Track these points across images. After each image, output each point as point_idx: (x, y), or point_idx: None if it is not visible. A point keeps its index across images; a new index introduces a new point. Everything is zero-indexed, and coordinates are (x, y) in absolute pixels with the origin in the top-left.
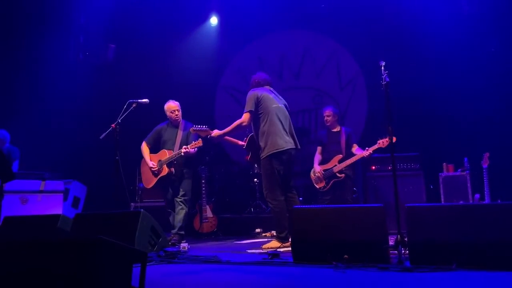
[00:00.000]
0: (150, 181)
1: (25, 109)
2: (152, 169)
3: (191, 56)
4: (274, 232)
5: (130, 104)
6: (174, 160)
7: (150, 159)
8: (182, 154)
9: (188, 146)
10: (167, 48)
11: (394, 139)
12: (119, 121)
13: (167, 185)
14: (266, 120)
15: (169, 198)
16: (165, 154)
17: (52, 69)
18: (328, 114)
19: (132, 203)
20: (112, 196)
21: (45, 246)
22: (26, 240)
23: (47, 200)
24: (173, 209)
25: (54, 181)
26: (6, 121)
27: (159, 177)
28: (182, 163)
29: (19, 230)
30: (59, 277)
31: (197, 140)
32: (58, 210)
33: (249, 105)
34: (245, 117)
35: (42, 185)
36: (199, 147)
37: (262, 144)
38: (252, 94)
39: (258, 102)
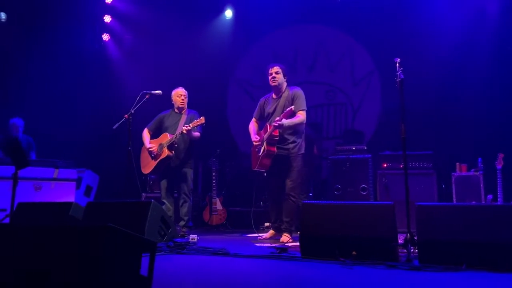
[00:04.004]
0: (148, 166)
1: (40, 98)
2: (151, 149)
3: (206, 49)
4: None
5: (143, 95)
6: (175, 143)
7: (150, 143)
8: (184, 132)
9: (190, 124)
10: (181, 40)
11: None
12: (132, 111)
13: (165, 173)
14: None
15: (166, 188)
16: (166, 137)
17: (68, 59)
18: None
19: (143, 193)
20: (124, 185)
21: (56, 231)
22: (37, 225)
23: (60, 188)
24: (168, 199)
25: (68, 169)
26: (22, 109)
27: (158, 160)
28: (183, 150)
29: (32, 216)
30: (69, 263)
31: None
32: (71, 198)
33: (304, 104)
34: (305, 116)
35: (55, 173)
36: (201, 125)
37: (297, 140)
38: (303, 93)
39: None
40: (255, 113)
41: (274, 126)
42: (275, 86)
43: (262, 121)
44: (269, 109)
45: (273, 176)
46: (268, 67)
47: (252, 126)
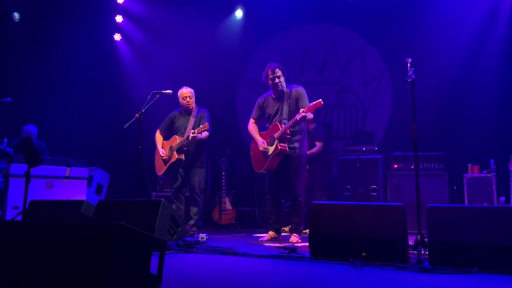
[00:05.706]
0: (161, 168)
1: (52, 97)
2: (162, 157)
3: (216, 48)
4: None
5: (154, 95)
6: (185, 146)
7: (162, 147)
8: (190, 139)
9: (195, 130)
10: (192, 40)
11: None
12: (143, 111)
13: (177, 173)
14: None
15: (177, 187)
16: (176, 140)
17: (79, 58)
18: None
19: (153, 192)
20: (134, 184)
21: (67, 229)
22: (48, 223)
23: (72, 186)
24: (179, 199)
25: (79, 168)
26: (34, 108)
27: (168, 164)
28: (192, 151)
29: (44, 213)
30: (79, 261)
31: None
32: (82, 196)
33: (308, 102)
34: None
35: (67, 171)
36: (210, 124)
37: (301, 139)
38: (305, 91)
39: None
40: (254, 113)
41: (296, 119)
42: (278, 89)
43: (261, 122)
44: (270, 109)
45: (276, 176)
46: (267, 68)
47: (253, 127)
